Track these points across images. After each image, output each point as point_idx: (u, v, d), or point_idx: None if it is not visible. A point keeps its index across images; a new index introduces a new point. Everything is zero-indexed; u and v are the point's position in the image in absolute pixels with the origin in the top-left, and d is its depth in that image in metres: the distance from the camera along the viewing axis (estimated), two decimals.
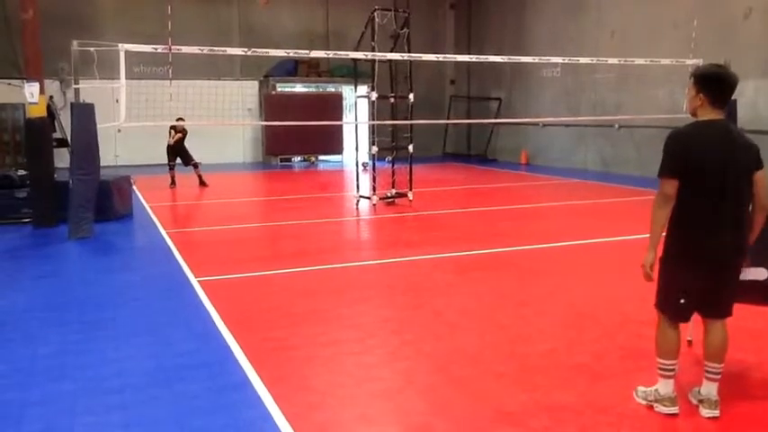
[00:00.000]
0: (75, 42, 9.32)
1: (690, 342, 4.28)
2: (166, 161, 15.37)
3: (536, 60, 15.54)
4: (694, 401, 3.84)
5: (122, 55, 9.10)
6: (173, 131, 15.05)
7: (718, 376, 3.74)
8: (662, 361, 3.81)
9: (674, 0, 16.05)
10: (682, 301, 3.72)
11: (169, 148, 15.27)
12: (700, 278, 3.66)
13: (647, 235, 3.67)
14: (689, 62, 13.25)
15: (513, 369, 4.55)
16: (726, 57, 13.67)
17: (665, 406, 3.77)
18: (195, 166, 15.32)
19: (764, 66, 13.99)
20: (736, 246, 3.65)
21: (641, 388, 3.94)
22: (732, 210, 3.60)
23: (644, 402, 3.88)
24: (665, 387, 3.80)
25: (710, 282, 3.68)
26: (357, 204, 12.29)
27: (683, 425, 3.72)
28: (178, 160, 15.31)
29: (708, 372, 3.76)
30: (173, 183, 15.17)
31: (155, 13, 17.96)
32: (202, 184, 15.18)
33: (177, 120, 14.63)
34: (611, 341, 5.08)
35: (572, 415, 3.86)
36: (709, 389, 3.75)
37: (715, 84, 3.65)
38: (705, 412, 3.72)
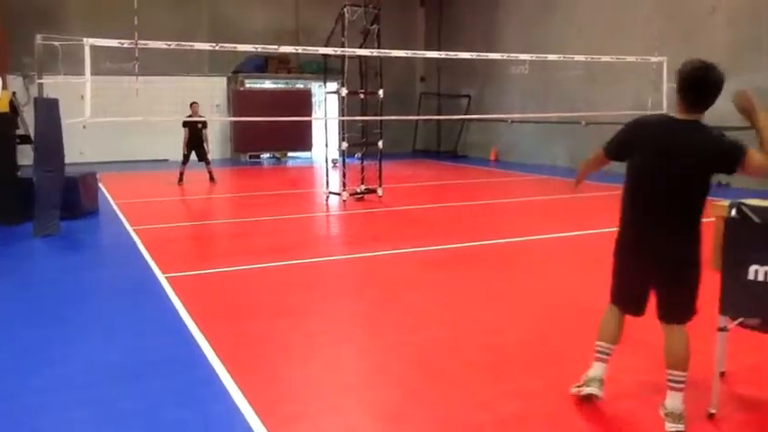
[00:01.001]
0: (38, 37, 9.15)
1: (722, 374, 3.98)
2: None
3: (505, 57, 15.65)
4: (662, 416, 3.60)
5: (87, 50, 8.98)
6: (189, 125, 14.47)
7: (682, 386, 3.55)
8: (598, 342, 3.85)
9: None
10: (614, 279, 3.79)
11: (187, 141, 14.69)
12: (638, 274, 3.68)
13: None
14: (654, 59, 13.50)
15: (485, 359, 4.60)
16: (689, 56, 13.99)
17: (587, 386, 3.77)
18: (208, 162, 15.01)
19: (728, 62, 14.16)
20: (676, 253, 3.53)
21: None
22: (666, 214, 3.50)
23: (575, 390, 3.88)
24: (594, 370, 3.81)
25: (649, 281, 3.64)
26: (327, 200, 12.28)
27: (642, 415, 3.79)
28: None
29: (669, 381, 3.58)
30: (181, 180, 14.70)
31: (122, 8, 17.69)
32: (212, 179, 14.97)
33: (192, 105, 14.54)
34: (581, 331, 5.13)
35: (542, 401, 3.92)
36: (674, 401, 3.55)
37: (687, 84, 3.48)
38: (669, 426, 3.50)
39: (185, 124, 14.62)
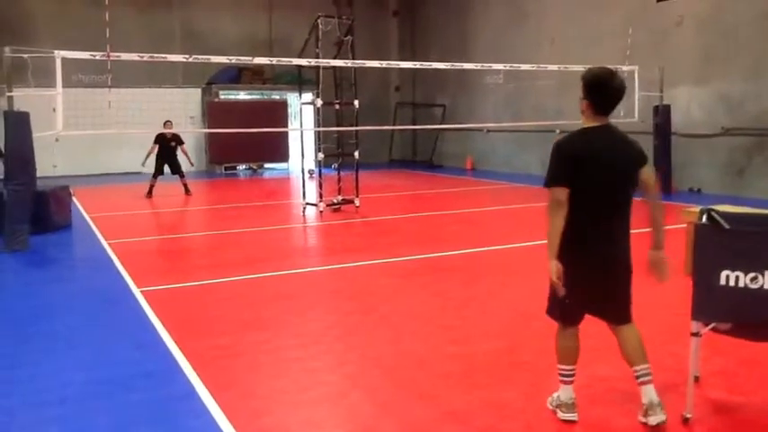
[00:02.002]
0: (7, 49, 9.03)
1: (696, 378, 3.95)
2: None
3: (479, 67, 15.77)
4: (642, 419, 3.66)
5: (58, 62, 8.89)
6: (162, 142, 14.65)
7: (650, 377, 3.64)
8: (561, 366, 3.80)
9: (611, 9, 16.54)
10: (567, 301, 3.64)
11: (160, 155, 14.77)
12: (590, 282, 3.61)
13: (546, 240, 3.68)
14: (625, 68, 13.68)
15: (458, 369, 4.60)
16: (659, 66, 14.22)
17: (563, 412, 3.76)
18: (182, 175, 15.12)
19: (696, 72, 14.53)
20: (623, 248, 3.64)
21: (553, 395, 3.91)
22: (617, 212, 3.61)
23: (551, 407, 3.87)
24: (565, 392, 3.79)
25: (601, 285, 3.64)
26: (303, 211, 12.24)
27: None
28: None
29: (638, 377, 3.66)
30: (150, 193, 14.66)
31: (93, 19, 17.56)
32: (187, 191, 15.06)
33: (165, 123, 14.59)
34: (552, 339, 5.17)
35: (516, 412, 3.92)
36: (649, 394, 3.63)
37: (598, 92, 3.59)
38: (652, 420, 3.57)
39: (157, 140, 14.78)
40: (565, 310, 3.74)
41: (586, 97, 3.63)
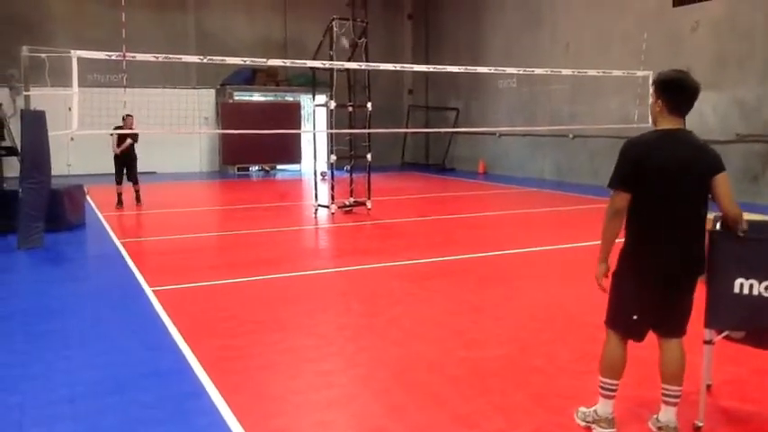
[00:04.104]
0: (24, 48, 9.12)
1: (708, 387, 3.90)
2: (113, 173, 13.19)
3: (492, 71, 15.75)
4: (654, 429, 3.64)
5: (75, 62, 8.95)
6: (119, 137, 12.82)
7: (677, 400, 3.55)
8: (604, 380, 3.65)
9: (625, 13, 16.47)
10: (635, 317, 3.53)
11: (117, 157, 13.13)
12: (655, 293, 3.49)
13: (600, 241, 3.59)
14: (639, 73, 13.64)
15: (468, 373, 4.59)
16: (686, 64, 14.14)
17: (601, 428, 3.63)
18: (136, 182, 13.43)
19: (711, 77, 14.43)
20: (693, 258, 3.50)
21: (582, 409, 3.80)
22: (689, 221, 3.45)
23: (583, 424, 3.73)
24: (603, 407, 3.66)
25: (665, 297, 3.51)
26: (315, 213, 12.26)
27: None
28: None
29: (665, 395, 3.57)
30: (120, 202, 13.24)
31: (108, 19, 17.72)
32: (138, 201, 13.46)
33: (125, 118, 12.88)
34: (564, 344, 5.17)
35: (526, 416, 3.91)
36: (668, 415, 3.56)
37: (673, 90, 3.46)
38: None
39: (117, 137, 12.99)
40: (631, 325, 3.59)
41: (660, 98, 3.49)
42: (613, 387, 3.65)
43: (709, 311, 3.59)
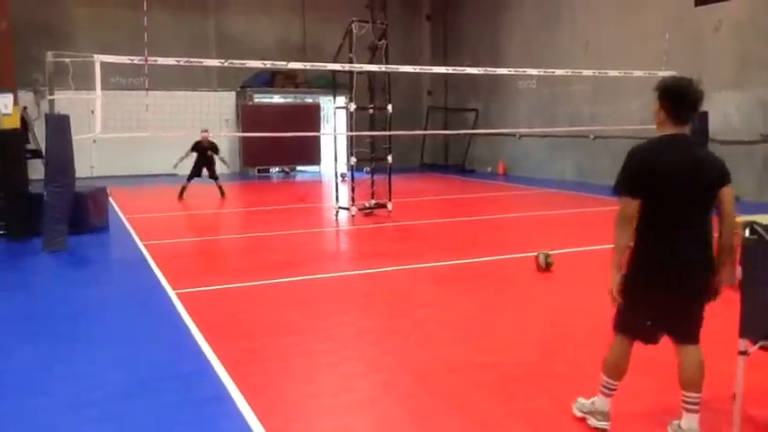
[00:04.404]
0: (49, 54, 9.23)
1: (734, 396, 3.71)
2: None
3: (512, 72, 15.69)
4: None
5: (98, 66, 9.06)
6: (199, 150, 14.89)
7: (697, 407, 3.52)
8: (606, 379, 3.72)
9: (647, 13, 16.32)
10: (648, 323, 3.54)
11: (199, 163, 15.03)
12: (666, 297, 3.48)
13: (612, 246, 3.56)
14: (661, 74, 13.46)
15: (492, 378, 4.58)
16: (696, 71, 13.99)
17: (596, 419, 3.72)
18: (217, 178, 15.30)
19: (734, 77, 14.27)
20: (703, 264, 3.47)
21: (581, 399, 3.88)
22: (697, 227, 3.45)
23: (579, 414, 3.83)
24: (601, 402, 3.74)
25: (678, 302, 3.50)
26: (336, 215, 12.28)
27: None
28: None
29: (686, 402, 3.55)
30: (182, 194, 14.88)
31: (130, 23, 17.88)
32: (223, 194, 15.21)
33: (202, 132, 14.87)
34: (587, 350, 5.12)
35: (550, 423, 3.88)
36: (690, 422, 3.52)
37: (676, 97, 3.46)
38: None
39: (194, 149, 14.96)
40: (646, 330, 3.60)
41: (663, 106, 3.48)
42: (614, 387, 3.73)
43: (744, 321, 3.49)
